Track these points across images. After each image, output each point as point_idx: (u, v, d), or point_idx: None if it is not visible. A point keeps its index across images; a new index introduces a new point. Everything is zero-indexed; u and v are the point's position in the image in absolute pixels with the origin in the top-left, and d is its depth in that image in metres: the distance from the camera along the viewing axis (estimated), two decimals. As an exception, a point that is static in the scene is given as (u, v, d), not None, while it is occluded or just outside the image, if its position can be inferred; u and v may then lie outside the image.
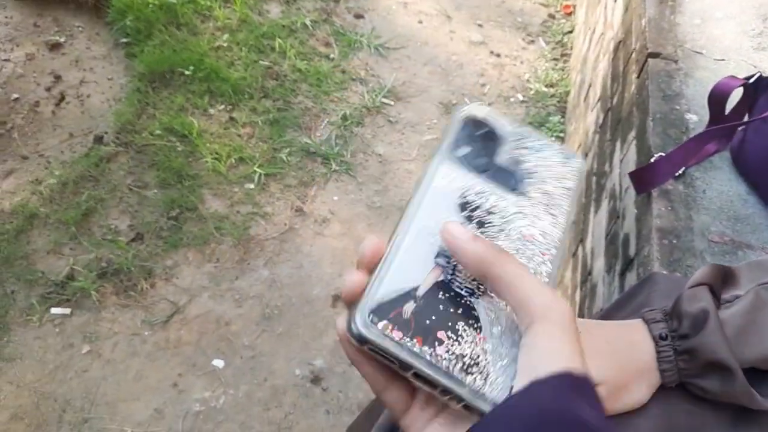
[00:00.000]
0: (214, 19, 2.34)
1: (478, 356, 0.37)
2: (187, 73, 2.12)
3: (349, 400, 1.52)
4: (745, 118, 1.05)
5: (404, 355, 0.35)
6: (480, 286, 0.39)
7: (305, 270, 1.75)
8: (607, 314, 0.89)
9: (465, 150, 0.43)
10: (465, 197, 0.42)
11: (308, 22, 2.38)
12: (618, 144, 1.37)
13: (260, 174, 1.92)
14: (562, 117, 2.23)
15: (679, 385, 0.63)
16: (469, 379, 0.36)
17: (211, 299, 1.66)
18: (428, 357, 0.35)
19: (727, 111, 1.06)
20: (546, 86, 2.33)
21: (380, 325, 0.35)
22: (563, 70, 2.41)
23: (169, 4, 2.31)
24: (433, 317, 0.36)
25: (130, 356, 1.54)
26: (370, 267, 0.39)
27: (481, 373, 0.36)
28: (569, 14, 2.64)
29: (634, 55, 1.42)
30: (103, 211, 1.80)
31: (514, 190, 0.43)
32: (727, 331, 0.59)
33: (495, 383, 0.36)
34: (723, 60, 1.28)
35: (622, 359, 0.62)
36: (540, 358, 0.36)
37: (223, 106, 2.09)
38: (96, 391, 1.48)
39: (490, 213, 0.42)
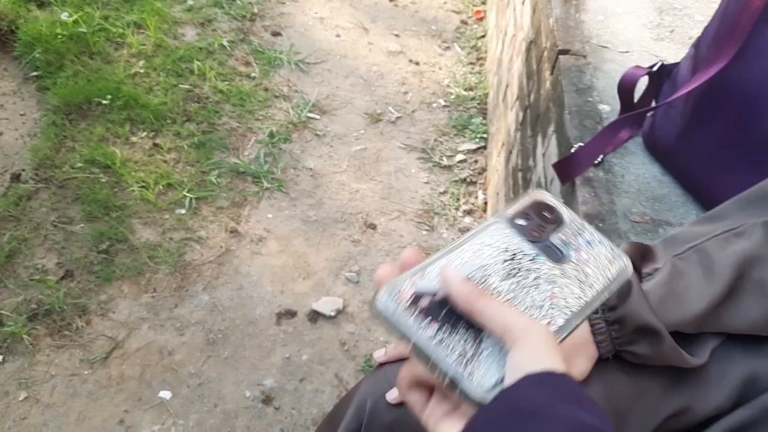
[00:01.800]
0: (128, 46, 2.29)
1: (473, 354, 0.42)
2: (104, 102, 2.07)
3: (302, 416, 1.51)
4: (653, 104, 1.13)
5: (410, 330, 0.41)
6: None
7: (246, 291, 1.73)
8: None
9: (522, 221, 0.49)
10: (511, 253, 0.47)
11: (225, 43, 2.37)
12: (539, 139, 1.43)
13: (190, 198, 1.89)
14: (484, 118, 2.30)
15: (615, 357, 0.67)
16: (461, 366, 0.41)
17: (151, 330, 1.62)
18: (430, 335, 0.41)
19: (636, 99, 1.13)
20: (465, 90, 2.40)
21: (400, 301, 0.42)
22: (480, 73, 2.49)
23: (78, 33, 2.25)
24: (443, 314, 0.43)
25: (71, 398, 1.49)
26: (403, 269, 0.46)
27: (471, 363, 0.41)
28: (480, 19, 2.73)
29: (545, 53, 1.48)
30: (27, 251, 1.72)
31: (557, 263, 0.47)
32: (650, 300, 0.64)
33: (484, 373, 0.41)
34: (627, 52, 1.36)
35: None
36: (525, 364, 0.41)
37: (145, 133, 2.04)
38: (37, 439, 1.42)
39: (527, 270, 0.46)
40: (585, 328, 0.65)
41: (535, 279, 0.46)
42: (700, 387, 0.66)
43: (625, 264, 0.50)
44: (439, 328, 0.42)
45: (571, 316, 0.45)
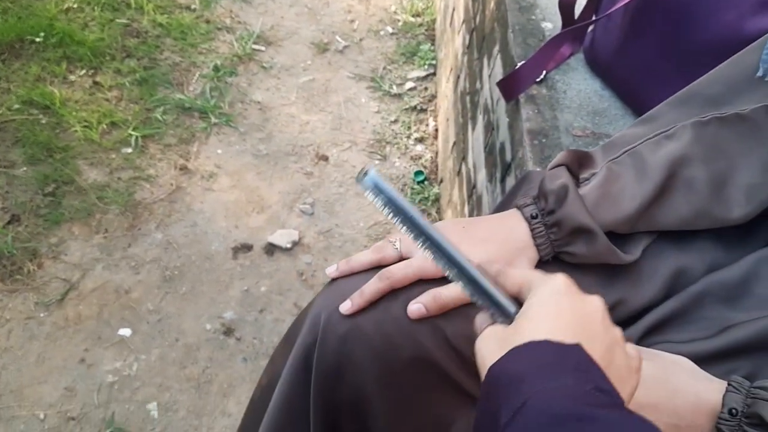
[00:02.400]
0: (57, -21, 2.17)
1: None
2: (38, 40, 1.98)
3: (264, 345, 1.54)
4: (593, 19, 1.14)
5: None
6: None
7: (200, 227, 1.73)
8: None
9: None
10: None
11: (162, -26, 2.27)
12: (485, 60, 1.44)
13: (136, 137, 1.85)
14: (432, 44, 2.29)
15: (554, 258, 0.70)
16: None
17: (105, 270, 1.61)
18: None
19: (577, 15, 1.14)
20: (413, 16, 2.37)
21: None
22: (427, -2, 2.45)
23: (3, -33, 2.12)
24: None
25: (29, 341, 1.48)
26: None
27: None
28: (426, -57, 2.67)
29: (489, -27, 1.47)
30: (-31, 197, 1.67)
31: None
32: (586, 203, 0.67)
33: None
34: (569, -31, 1.36)
35: (504, 241, 0.69)
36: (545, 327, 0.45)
37: (84, 71, 1.97)
38: (-3, 382, 1.42)
39: None
40: (526, 232, 0.68)
41: None
42: (633, 282, 0.70)
43: None
44: None
45: None
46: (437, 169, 1.95)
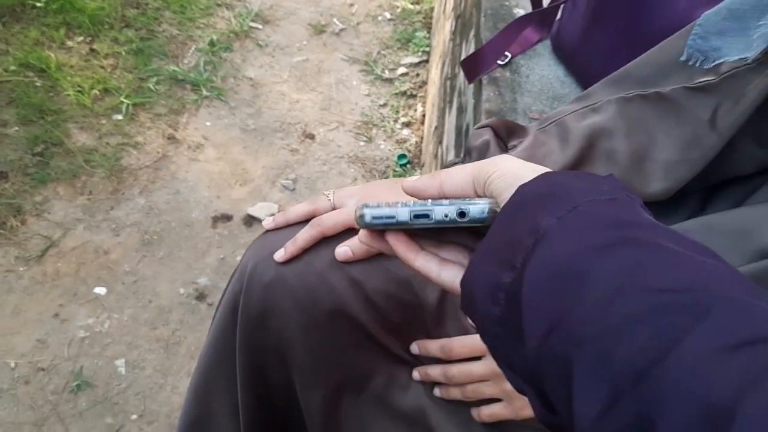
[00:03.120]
0: (63, -53, 2.22)
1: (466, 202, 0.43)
2: (39, 5, 2.02)
3: (234, 311, 1.58)
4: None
5: (399, 208, 0.44)
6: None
7: (182, 195, 1.77)
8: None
9: None
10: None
11: (167, -52, 2.31)
12: (463, 45, 1.46)
13: (128, 104, 1.89)
14: (428, 32, 2.31)
15: None
16: (460, 204, 0.42)
17: (86, 230, 1.65)
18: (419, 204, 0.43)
19: (547, 2, 1.17)
20: (412, 3, 2.40)
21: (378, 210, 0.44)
22: (428, -13, 2.47)
23: (10, -68, 2.16)
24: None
25: (6, 293, 1.53)
26: None
27: (468, 202, 0.42)
28: (432, -68, 2.69)
29: (474, -41, 1.49)
30: (-40, 152, 1.72)
31: None
32: None
33: (484, 203, 0.42)
34: (549, -41, 1.38)
35: None
36: (513, 179, 0.40)
37: (81, 38, 2.01)
38: (-27, 330, 1.47)
39: None
40: None
41: None
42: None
43: None
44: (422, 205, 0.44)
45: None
46: (421, 154, 1.98)
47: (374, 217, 0.45)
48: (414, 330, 0.74)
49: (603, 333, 0.30)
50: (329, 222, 0.69)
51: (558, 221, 0.34)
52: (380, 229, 0.46)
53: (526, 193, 0.38)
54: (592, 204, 0.35)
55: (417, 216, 0.43)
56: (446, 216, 0.42)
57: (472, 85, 1.22)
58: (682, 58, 0.72)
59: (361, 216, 0.45)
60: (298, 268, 0.71)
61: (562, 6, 1.17)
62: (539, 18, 1.12)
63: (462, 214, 0.42)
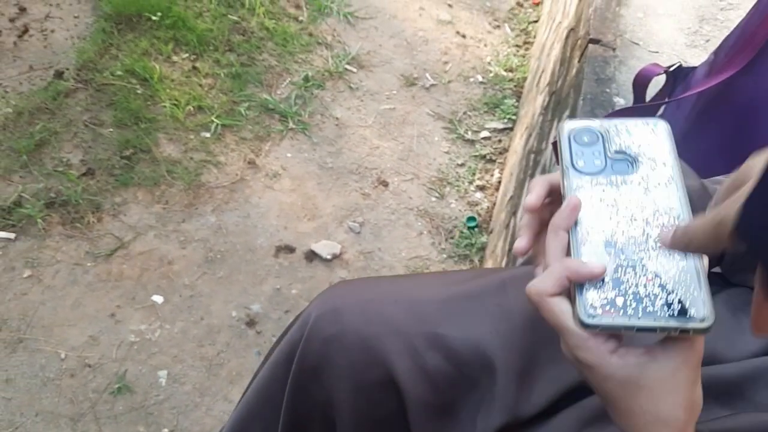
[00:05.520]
0: (186, -32, 2.35)
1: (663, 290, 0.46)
2: (154, 18, 2.14)
3: (280, 344, 1.58)
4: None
5: (623, 322, 0.45)
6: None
7: (252, 220, 1.80)
8: (525, 265, 0.98)
9: (581, 162, 0.51)
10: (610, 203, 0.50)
11: (281, -17, 2.41)
12: (555, 123, 1.45)
13: (217, 124, 1.95)
14: (517, 101, 2.31)
15: None
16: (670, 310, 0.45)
17: (156, 238, 1.70)
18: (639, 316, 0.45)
19: (650, 97, 1.15)
20: (505, 70, 2.41)
21: (599, 314, 0.46)
22: (524, 56, 2.49)
23: (142, -52, 2.31)
24: (622, 285, 0.46)
25: (71, 284, 1.58)
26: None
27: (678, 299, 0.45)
28: (537, 4, 2.72)
29: (579, 41, 1.50)
30: (56, 143, 1.81)
31: (636, 174, 0.51)
32: None
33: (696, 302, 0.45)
34: (657, 52, 1.37)
35: None
36: None
37: (187, 55, 2.11)
38: (33, 315, 1.52)
39: (626, 209, 0.50)
40: None
41: (633, 212, 0.49)
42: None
43: (661, 123, 0.53)
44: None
45: (681, 205, 0.49)
46: (490, 220, 1.96)
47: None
48: (462, 409, 0.72)
49: None
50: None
51: None
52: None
53: None
54: None
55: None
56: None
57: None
58: None
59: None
60: (359, 327, 0.71)
61: (664, 105, 1.15)
62: (639, 113, 1.10)
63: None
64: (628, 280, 0.46)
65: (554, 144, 1.11)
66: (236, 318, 1.61)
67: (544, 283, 0.47)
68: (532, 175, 1.55)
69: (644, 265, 0.47)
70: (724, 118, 0.99)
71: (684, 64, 1.14)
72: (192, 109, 1.98)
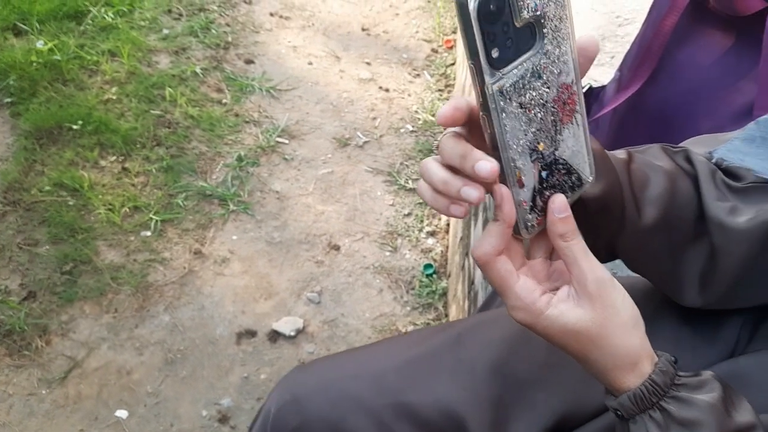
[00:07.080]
0: (101, 73, 2.34)
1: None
2: (75, 127, 2.11)
3: (258, 434, 1.52)
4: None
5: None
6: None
7: (207, 311, 1.76)
8: (479, 312, 0.97)
9: (496, 51, 0.43)
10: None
11: (198, 70, 2.43)
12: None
13: (156, 221, 1.92)
14: (450, 142, 2.35)
15: None
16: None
17: (110, 350, 1.64)
18: None
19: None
20: (433, 115, 2.46)
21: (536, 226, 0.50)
22: (448, 99, 2.55)
23: (53, 61, 2.30)
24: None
25: (27, 417, 1.50)
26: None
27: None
28: (450, 48, 2.80)
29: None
30: (-9, 272, 1.75)
31: (537, 47, 0.45)
32: None
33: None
34: (568, 76, 1.41)
35: None
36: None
37: (114, 158, 2.08)
38: (-9, 458, 1.43)
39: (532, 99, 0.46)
40: None
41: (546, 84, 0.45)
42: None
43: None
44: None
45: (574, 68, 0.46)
46: (446, 264, 1.96)
47: None
48: None
49: None
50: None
51: None
52: None
53: None
54: None
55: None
56: None
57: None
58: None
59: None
60: (323, 412, 0.68)
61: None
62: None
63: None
64: (548, 180, 0.48)
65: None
66: (207, 417, 1.55)
67: (486, 243, 0.48)
68: (475, 213, 1.56)
69: (557, 158, 0.48)
70: (640, 130, 1.03)
71: (594, 84, 1.18)
72: (128, 210, 1.94)
